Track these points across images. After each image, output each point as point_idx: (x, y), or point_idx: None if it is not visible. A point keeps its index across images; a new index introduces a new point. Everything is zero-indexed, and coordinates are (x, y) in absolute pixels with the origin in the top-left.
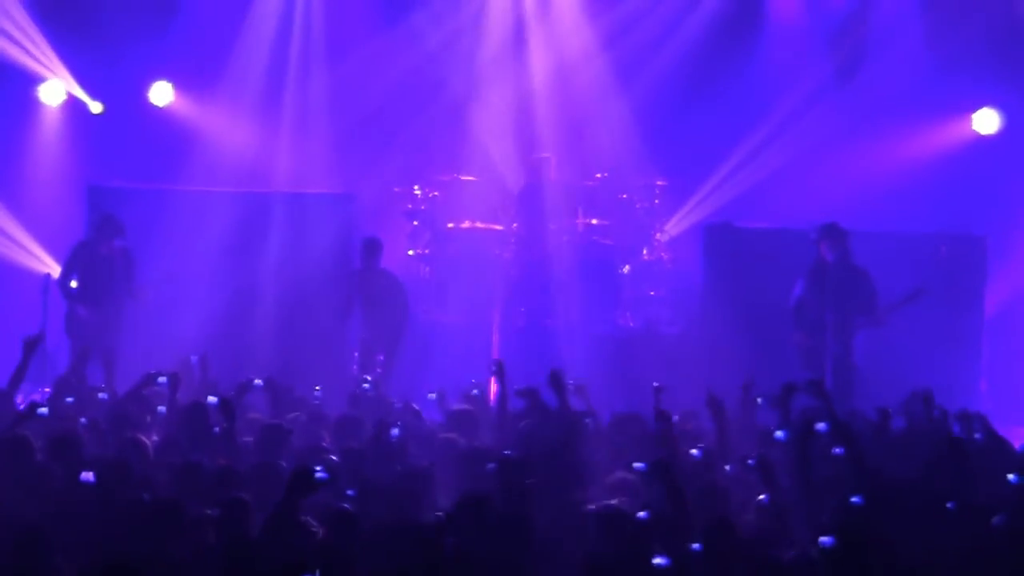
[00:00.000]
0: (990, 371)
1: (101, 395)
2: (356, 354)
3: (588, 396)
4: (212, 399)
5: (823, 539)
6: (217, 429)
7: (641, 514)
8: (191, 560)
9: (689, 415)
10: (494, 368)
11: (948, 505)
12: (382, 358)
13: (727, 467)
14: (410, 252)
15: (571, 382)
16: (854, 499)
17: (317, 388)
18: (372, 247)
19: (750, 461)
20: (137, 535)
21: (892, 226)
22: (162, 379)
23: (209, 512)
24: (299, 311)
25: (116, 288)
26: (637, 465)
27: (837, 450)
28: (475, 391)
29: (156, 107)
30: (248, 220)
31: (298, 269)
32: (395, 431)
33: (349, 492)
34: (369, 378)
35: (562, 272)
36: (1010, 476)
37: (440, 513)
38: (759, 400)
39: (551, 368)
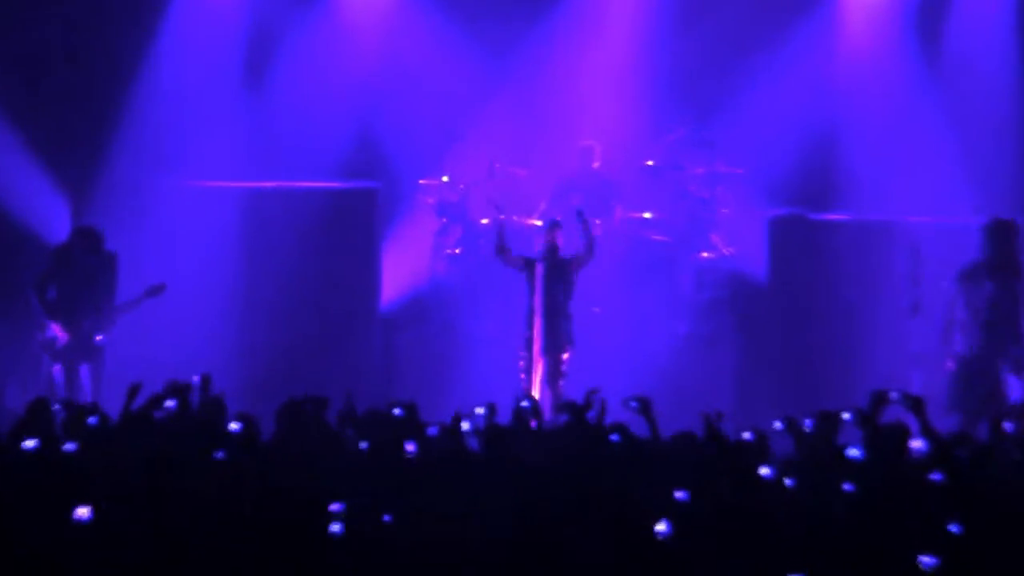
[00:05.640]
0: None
1: (90, 419)
2: (522, 354)
3: (653, 415)
4: (234, 426)
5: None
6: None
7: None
8: None
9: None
10: (636, 405)
11: None
12: (567, 356)
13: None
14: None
15: (633, 401)
16: (952, 527)
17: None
18: (554, 225)
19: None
20: None
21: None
22: (170, 402)
23: None
24: (320, 321)
25: (99, 302)
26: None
27: (935, 475)
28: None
29: None
30: (255, 219)
31: (315, 274)
32: (410, 447)
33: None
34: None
35: (610, 274)
36: None
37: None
38: (845, 416)
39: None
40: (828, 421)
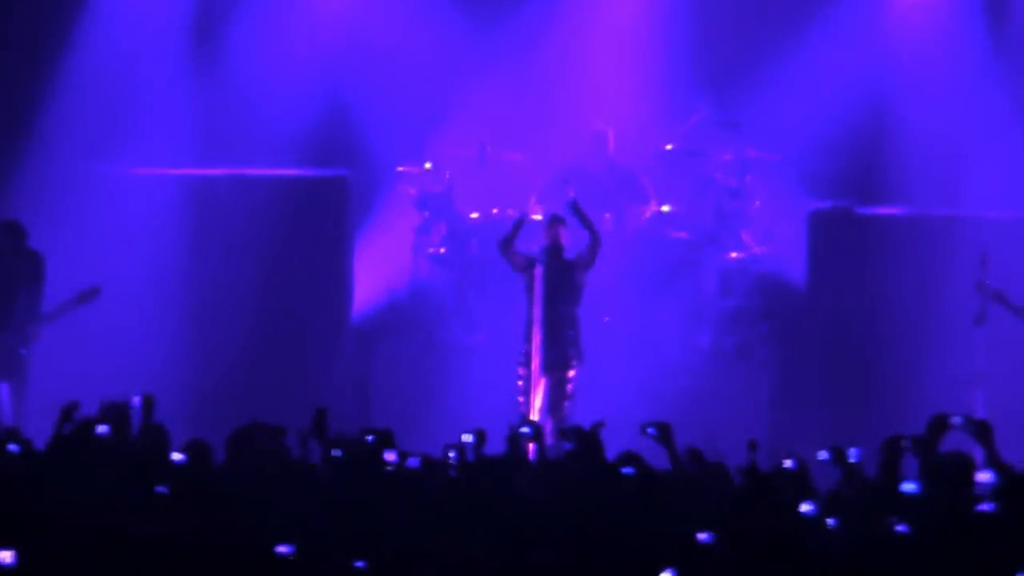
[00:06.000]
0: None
1: (11, 446)
2: (520, 372)
3: (673, 442)
4: (177, 456)
5: None
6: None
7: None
8: None
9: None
10: (654, 431)
11: None
12: (573, 374)
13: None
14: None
15: (651, 427)
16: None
17: None
18: (555, 220)
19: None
20: None
21: None
22: (102, 427)
23: None
24: (281, 332)
25: (22, 309)
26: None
27: (986, 506)
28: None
29: None
30: (205, 211)
31: (276, 276)
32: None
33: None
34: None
35: (622, 278)
36: None
37: None
38: (903, 443)
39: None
40: (889, 450)
